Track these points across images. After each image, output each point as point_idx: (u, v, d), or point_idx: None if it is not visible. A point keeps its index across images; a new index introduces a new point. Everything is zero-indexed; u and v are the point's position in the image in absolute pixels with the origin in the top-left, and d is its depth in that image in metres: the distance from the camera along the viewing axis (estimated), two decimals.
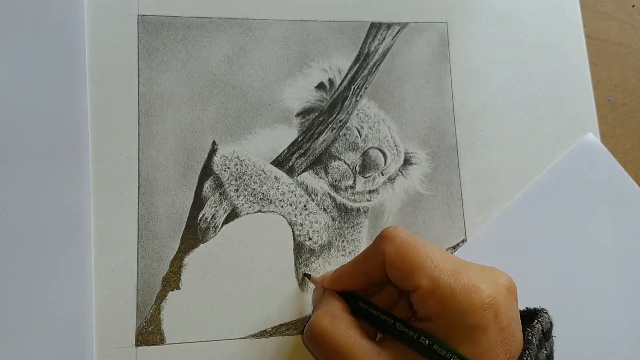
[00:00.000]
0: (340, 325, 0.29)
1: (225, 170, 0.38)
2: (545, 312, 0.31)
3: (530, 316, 0.31)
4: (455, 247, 0.40)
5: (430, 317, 0.28)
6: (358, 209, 0.39)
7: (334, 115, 0.40)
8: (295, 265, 0.38)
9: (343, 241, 0.39)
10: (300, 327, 0.37)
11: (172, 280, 0.36)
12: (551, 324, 0.31)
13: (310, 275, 0.37)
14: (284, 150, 0.39)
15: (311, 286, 0.37)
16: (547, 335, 0.30)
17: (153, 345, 0.35)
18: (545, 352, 0.29)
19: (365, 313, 0.31)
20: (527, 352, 0.27)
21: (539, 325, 0.30)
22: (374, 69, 0.41)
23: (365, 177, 0.40)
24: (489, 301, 0.27)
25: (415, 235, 0.31)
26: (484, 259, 0.39)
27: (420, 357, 0.28)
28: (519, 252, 0.40)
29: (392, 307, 0.32)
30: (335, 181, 0.40)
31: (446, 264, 0.28)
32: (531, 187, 0.41)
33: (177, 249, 0.37)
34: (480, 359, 0.26)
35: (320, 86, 0.41)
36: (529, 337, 0.28)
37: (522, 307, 0.32)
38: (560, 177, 0.42)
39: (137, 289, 0.36)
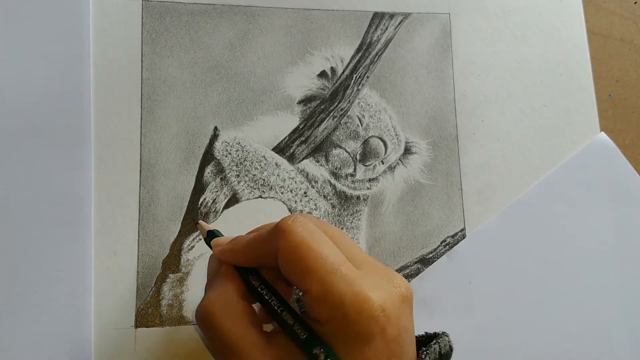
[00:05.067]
0: (230, 313, 0.28)
1: (226, 156, 0.39)
2: (446, 336, 0.30)
3: (429, 340, 0.30)
4: (454, 237, 0.40)
5: (319, 320, 0.27)
6: (358, 197, 0.40)
7: (336, 104, 0.41)
8: None
9: (342, 228, 0.39)
10: None
11: (172, 263, 0.37)
12: (451, 348, 0.30)
13: (199, 221, 0.35)
14: (285, 137, 0.40)
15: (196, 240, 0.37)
16: (444, 358, 0.29)
17: (152, 327, 0.35)
18: None
19: (257, 294, 0.29)
20: None
21: (436, 346, 0.29)
22: (376, 58, 0.42)
23: (365, 166, 0.40)
24: (377, 313, 0.25)
25: (321, 224, 0.29)
26: (490, 252, 0.40)
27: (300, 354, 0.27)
28: (525, 247, 0.40)
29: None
30: (336, 169, 0.40)
31: (341, 267, 0.26)
32: (540, 184, 0.42)
33: (177, 233, 0.37)
34: None
35: (322, 74, 0.41)
36: (422, 356, 0.28)
37: (421, 332, 0.31)
38: (570, 176, 0.42)
39: (137, 271, 0.36)
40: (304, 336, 0.26)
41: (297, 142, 0.40)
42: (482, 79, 0.43)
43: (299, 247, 0.27)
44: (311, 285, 0.26)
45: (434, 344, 0.29)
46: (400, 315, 0.26)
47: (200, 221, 0.34)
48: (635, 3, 0.47)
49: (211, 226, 0.33)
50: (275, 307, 0.28)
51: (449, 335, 0.30)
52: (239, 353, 0.27)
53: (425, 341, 0.30)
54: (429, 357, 0.28)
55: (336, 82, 0.41)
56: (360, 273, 0.27)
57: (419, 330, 0.30)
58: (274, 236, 0.28)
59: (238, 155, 0.39)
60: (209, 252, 0.37)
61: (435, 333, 0.30)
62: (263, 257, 0.29)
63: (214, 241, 0.32)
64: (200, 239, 0.37)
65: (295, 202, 0.39)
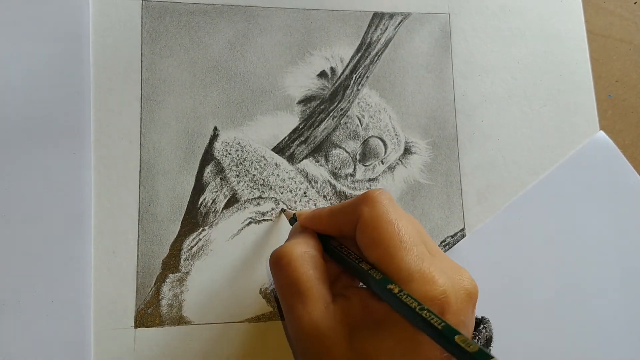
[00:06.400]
0: (308, 261, 0.29)
1: (226, 156, 0.39)
2: (489, 320, 0.31)
3: (475, 324, 0.30)
4: (453, 237, 0.40)
5: None
6: None
7: (335, 104, 0.41)
8: None
9: None
10: None
11: (171, 263, 0.37)
12: (492, 334, 0.30)
13: (285, 210, 0.37)
14: (285, 137, 0.40)
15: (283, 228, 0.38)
16: (488, 343, 0.30)
17: (152, 327, 0.36)
18: None
19: (329, 247, 0.31)
20: None
21: (484, 330, 0.29)
22: (375, 58, 0.42)
23: (365, 166, 0.40)
24: (440, 297, 0.26)
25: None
26: (490, 251, 0.40)
27: (362, 319, 0.27)
28: (524, 246, 0.40)
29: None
30: (336, 169, 0.40)
31: (415, 246, 0.27)
32: (538, 183, 0.42)
33: (177, 233, 0.37)
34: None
35: (322, 74, 0.41)
36: (476, 340, 0.28)
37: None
38: (568, 175, 0.42)
39: (137, 271, 0.36)
40: (380, 277, 0.27)
41: (296, 142, 0.40)
42: (482, 79, 0.43)
43: (380, 217, 0.28)
44: (383, 257, 0.27)
45: (482, 328, 0.29)
46: (462, 308, 0.27)
47: (285, 209, 0.38)
48: (635, 3, 0.47)
49: (291, 212, 0.36)
50: (353, 259, 0.29)
51: (490, 321, 0.31)
52: (306, 300, 0.27)
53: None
54: (480, 342, 0.28)
55: (336, 82, 0.41)
56: (431, 257, 0.27)
57: None
58: (359, 203, 0.29)
59: (238, 155, 0.39)
60: (208, 252, 0.37)
61: (480, 318, 0.31)
62: (343, 224, 0.30)
63: (298, 212, 0.34)
64: (200, 239, 0.37)
65: (295, 202, 0.39)
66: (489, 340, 0.30)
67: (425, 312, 0.24)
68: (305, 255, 0.29)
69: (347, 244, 0.31)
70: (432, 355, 0.26)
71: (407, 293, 0.25)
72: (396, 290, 0.26)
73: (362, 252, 0.29)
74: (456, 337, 0.23)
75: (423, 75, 0.42)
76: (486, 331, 0.29)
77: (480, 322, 0.30)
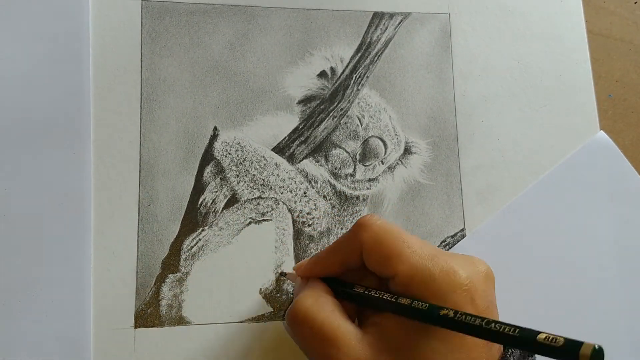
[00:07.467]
0: (324, 306, 0.29)
1: (226, 156, 0.39)
2: None
3: None
4: (453, 237, 0.40)
5: None
6: (357, 197, 0.40)
7: (335, 104, 0.41)
8: (294, 250, 0.38)
9: (342, 228, 0.39)
10: None
11: (171, 263, 0.37)
12: None
13: (286, 273, 0.37)
14: (285, 137, 0.40)
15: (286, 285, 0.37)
16: None
17: (151, 327, 0.36)
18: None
19: (349, 292, 0.30)
20: (509, 350, 0.28)
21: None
22: (375, 58, 0.42)
23: (365, 166, 0.40)
24: (467, 284, 0.27)
25: (401, 224, 0.31)
26: (490, 251, 0.40)
27: (401, 337, 0.27)
28: (524, 246, 0.40)
29: None
30: (336, 169, 0.40)
31: (424, 250, 0.28)
32: (538, 183, 0.42)
33: (177, 233, 0.37)
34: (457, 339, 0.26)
35: (322, 74, 0.41)
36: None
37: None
38: (569, 175, 0.42)
39: (137, 271, 0.36)
40: (426, 307, 0.26)
41: (296, 142, 0.40)
42: (482, 79, 0.43)
43: (382, 235, 0.29)
44: (398, 267, 0.28)
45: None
46: (486, 289, 0.28)
47: (285, 272, 0.37)
48: (635, 3, 0.47)
49: (292, 273, 0.36)
50: (385, 296, 0.28)
51: None
52: (337, 342, 0.27)
53: None
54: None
55: (336, 82, 0.41)
56: (442, 253, 0.28)
57: None
58: (356, 233, 0.30)
59: (238, 155, 0.39)
60: (208, 252, 0.37)
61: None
62: (347, 257, 0.30)
63: (295, 266, 0.34)
64: (200, 239, 0.37)
65: (295, 202, 0.39)
66: None
67: (493, 324, 0.24)
68: (319, 300, 0.29)
69: (352, 278, 0.31)
70: (478, 355, 0.27)
71: (463, 313, 0.25)
72: (451, 315, 0.25)
73: (375, 273, 0.29)
74: (538, 337, 0.22)
75: (423, 75, 0.42)
76: None
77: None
